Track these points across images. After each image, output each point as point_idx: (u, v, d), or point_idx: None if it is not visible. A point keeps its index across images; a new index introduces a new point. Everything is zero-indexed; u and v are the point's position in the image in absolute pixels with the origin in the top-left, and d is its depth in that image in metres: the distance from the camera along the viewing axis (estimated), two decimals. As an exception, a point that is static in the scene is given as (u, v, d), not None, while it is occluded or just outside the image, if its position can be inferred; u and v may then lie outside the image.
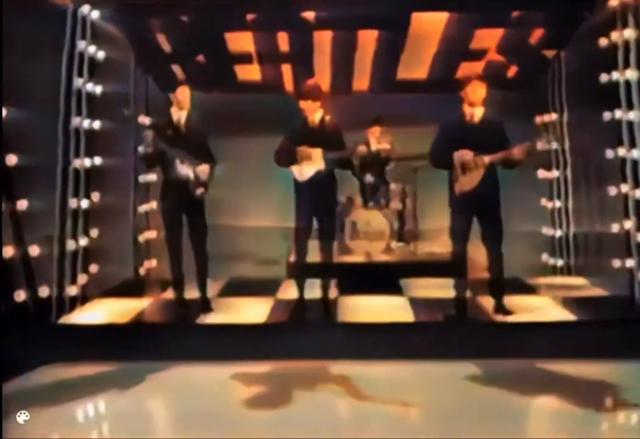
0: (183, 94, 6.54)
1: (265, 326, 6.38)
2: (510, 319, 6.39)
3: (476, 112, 6.31)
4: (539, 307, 6.90)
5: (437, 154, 6.39)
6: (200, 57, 8.71)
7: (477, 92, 6.26)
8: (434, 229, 9.14)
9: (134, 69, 8.61)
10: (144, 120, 8.58)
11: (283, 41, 8.43)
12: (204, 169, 6.48)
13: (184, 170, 6.44)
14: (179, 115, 6.55)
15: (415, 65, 8.92)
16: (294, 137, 6.63)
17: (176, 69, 8.95)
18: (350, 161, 6.79)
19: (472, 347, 5.98)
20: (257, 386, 5.40)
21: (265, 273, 8.52)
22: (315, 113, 6.60)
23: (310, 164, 6.55)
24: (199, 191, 6.46)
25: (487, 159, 6.21)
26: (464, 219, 6.37)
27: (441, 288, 7.09)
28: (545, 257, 9.02)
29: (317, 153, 6.54)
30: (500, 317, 6.42)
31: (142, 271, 8.80)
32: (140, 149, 6.93)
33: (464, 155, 6.20)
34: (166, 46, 8.50)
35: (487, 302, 6.77)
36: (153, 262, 8.91)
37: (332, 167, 6.61)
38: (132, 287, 8.07)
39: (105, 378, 5.64)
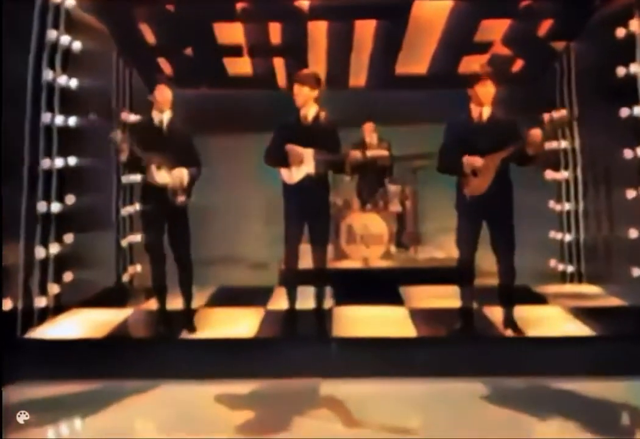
0: (162, 94, 6.04)
1: (254, 341, 5.98)
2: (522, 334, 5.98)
3: (484, 112, 5.91)
4: (550, 319, 6.50)
5: (446, 160, 5.98)
6: (188, 50, 8.43)
7: (487, 90, 5.86)
8: (436, 233, 9.11)
9: (117, 62, 8.32)
10: (128, 117, 8.25)
11: (275, 33, 8.19)
12: (181, 175, 6.01)
13: (161, 177, 5.98)
14: (161, 117, 6.08)
15: (415, 59, 8.72)
16: (285, 134, 6.17)
17: (162, 62, 8.66)
18: (344, 165, 6.31)
19: (480, 364, 5.65)
20: (242, 410, 5.09)
21: (256, 279, 8.26)
22: (309, 107, 6.13)
23: (300, 167, 6.09)
24: (180, 199, 5.99)
25: (498, 157, 5.75)
26: (473, 225, 5.95)
27: (444, 297, 6.76)
28: (553, 263, 8.71)
29: (308, 154, 6.08)
30: (509, 333, 5.99)
31: (125, 277, 8.50)
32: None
33: (473, 163, 5.75)
34: (151, 38, 8.22)
35: (494, 312, 6.37)
36: (138, 268, 8.62)
37: (323, 170, 6.16)
38: (113, 296, 7.76)
39: (77, 399, 5.31)
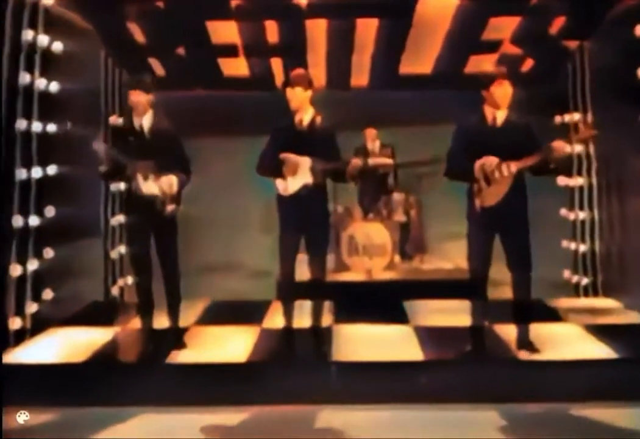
0: (136, 99, 5.70)
1: (246, 366, 5.58)
2: (537, 356, 5.59)
3: (499, 115, 5.56)
4: (567, 339, 6.12)
5: (455, 165, 5.64)
6: (180, 50, 8.12)
7: (504, 92, 5.51)
8: (442, 241, 8.87)
9: (105, 63, 8.06)
10: (117, 121, 7.94)
11: (272, 31, 7.84)
12: (170, 182, 5.66)
13: (148, 187, 5.65)
14: (140, 121, 5.74)
15: (420, 59, 8.39)
16: (279, 141, 5.84)
17: (154, 63, 8.36)
18: (344, 174, 5.93)
19: (492, 389, 5.27)
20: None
21: (255, 288, 7.92)
22: (304, 110, 5.79)
23: (296, 177, 5.73)
24: (169, 208, 5.65)
25: (514, 166, 5.37)
26: (485, 238, 5.61)
27: (452, 313, 6.48)
28: (567, 274, 8.39)
29: (304, 163, 5.72)
30: (524, 355, 5.61)
31: (115, 289, 8.14)
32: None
33: (487, 162, 5.37)
34: (140, 37, 7.87)
35: (506, 330, 6.00)
36: (128, 280, 8.21)
37: (321, 180, 5.82)
38: (101, 311, 7.42)
39: (54, 428, 4.96)
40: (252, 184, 7.88)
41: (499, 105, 5.50)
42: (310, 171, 5.71)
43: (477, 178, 5.44)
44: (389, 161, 8.37)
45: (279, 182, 5.79)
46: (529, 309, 5.82)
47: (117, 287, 8.12)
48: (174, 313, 5.94)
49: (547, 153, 5.34)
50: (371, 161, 8.08)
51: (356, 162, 5.89)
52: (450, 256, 8.52)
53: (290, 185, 5.75)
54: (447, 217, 8.32)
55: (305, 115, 5.79)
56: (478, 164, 5.41)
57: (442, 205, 8.24)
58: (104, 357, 5.79)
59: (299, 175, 5.71)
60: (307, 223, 5.81)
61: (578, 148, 7.94)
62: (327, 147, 5.77)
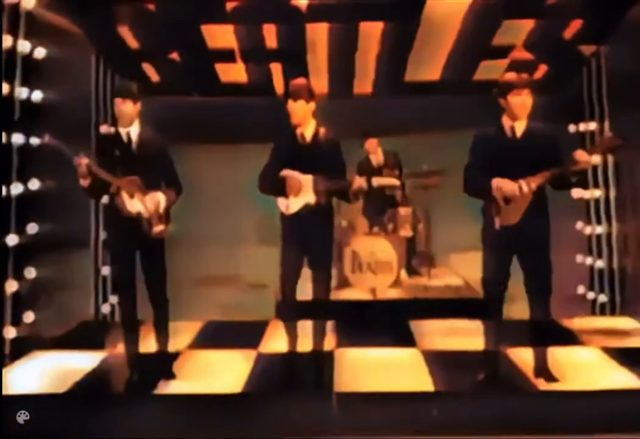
0: (120, 108, 5.32)
1: (241, 397, 5.20)
2: (557, 386, 5.19)
3: (518, 126, 5.18)
4: (588, 365, 5.73)
5: (472, 182, 5.26)
6: (174, 55, 7.84)
7: (523, 101, 5.12)
8: (450, 255, 8.80)
9: (96, 70, 7.74)
10: (108, 130, 7.45)
11: (270, 36, 7.62)
12: (157, 200, 5.31)
13: (134, 206, 5.27)
14: (127, 132, 5.35)
15: (427, 65, 8.18)
16: (281, 157, 5.55)
17: (148, 68, 8.09)
18: (347, 193, 5.62)
19: (508, 421, 4.85)
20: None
21: (250, 303, 7.64)
22: (307, 124, 5.50)
23: (299, 195, 5.47)
24: (157, 228, 5.28)
25: (534, 183, 5.01)
26: (502, 260, 5.24)
27: (462, 335, 6.22)
28: (582, 290, 7.99)
29: (307, 181, 5.46)
30: (543, 384, 5.21)
31: (105, 308, 7.73)
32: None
33: (504, 188, 5.02)
34: (132, 41, 7.60)
35: (521, 355, 5.64)
36: None
37: (324, 200, 5.53)
38: (90, 332, 7.06)
39: None
40: (249, 195, 7.70)
41: (517, 116, 5.13)
42: (313, 190, 5.44)
43: (494, 197, 5.09)
44: (395, 181, 8.08)
45: (281, 201, 5.53)
46: (547, 334, 5.47)
47: (107, 305, 7.73)
48: (162, 337, 5.59)
49: (569, 166, 4.96)
50: (375, 182, 7.76)
51: (359, 182, 5.53)
52: (458, 269, 8.37)
53: (292, 204, 5.49)
54: (454, 228, 8.12)
55: (307, 128, 5.51)
56: (494, 186, 5.06)
57: (449, 216, 8.10)
58: (87, 387, 5.39)
59: (302, 194, 5.46)
60: (309, 243, 5.55)
61: (595, 158, 7.59)
62: (331, 163, 5.51)
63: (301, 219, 5.48)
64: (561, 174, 5.01)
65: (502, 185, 5.01)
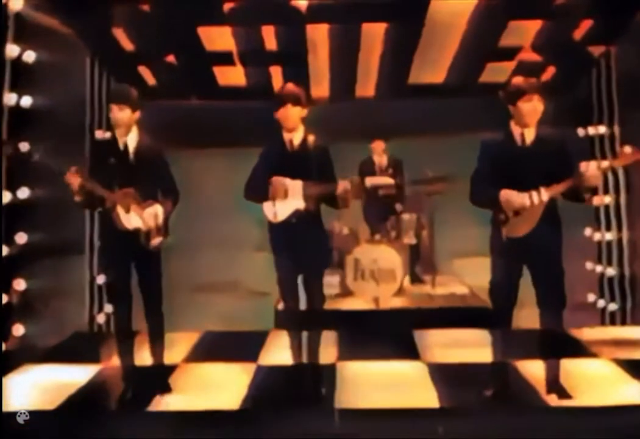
0: (116, 115, 5.09)
1: (240, 413, 5.00)
2: (569, 402, 4.97)
3: (527, 133, 4.99)
4: (601, 378, 5.52)
5: (480, 192, 5.06)
6: (171, 57, 7.85)
7: (533, 108, 4.91)
8: (454, 262, 8.76)
9: (91, 73, 7.64)
10: (103, 135, 7.41)
11: (269, 37, 7.60)
12: (155, 213, 5.13)
13: (130, 220, 5.10)
14: (124, 140, 5.14)
15: (431, 67, 8.23)
16: (268, 164, 5.38)
17: (144, 71, 8.13)
18: (335, 198, 5.43)
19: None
20: None
21: (249, 311, 7.62)
22: (295, 130, 5.35)
23: (286, 202, 5.29)
24: (155, 241, 5.12)
25: (546, 194, 4.81)
26: (511, 272, 5.03)
27: (468, 346, 6.12)
28: (592, 298, 7.91)
29: (295, 186, 5.28)
30: (554, 400, 4.99)
31: (100, 317, 7.61)
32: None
33: (513, 201, 4.85)
34: (127, 44, 7.55)
35: (531, 368, 5.43)
36: None
37: (315, 205, 5.36)
38: (84, 344, 6.82)
39: None
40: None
41: (527, 123, 4.93)
42: (303, 195, 5.27)
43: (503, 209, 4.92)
44: (389, 180, 8.01)
45: (267, 208, 5.33)
46: (559, 346, 5.27)
47: (103, 315, 7.60)
48: (157, 349, 5.40)
49: (579, 182, 4.78)
50: (369, 182, 7.60)
51: (344, 185, 5.34)
52: (463, 276, 8.28)
53: (279, 211, 5.30)
54: (458, 235, 7.96)
55: (296, 135, 5.35)
56: (503, 199, 4.87)
57: (454, 222, 8.04)
58: (79, 403, 5.18)
59: (290, 200, 5.28)
60: (300, 251, 5.36)
61: (604, 164, 7.46)
62: (320, 170, 5.33)
63: (290, 226, 5.33)
64: (574, 189, 4.84)
65: (510, 198, 4.82)
